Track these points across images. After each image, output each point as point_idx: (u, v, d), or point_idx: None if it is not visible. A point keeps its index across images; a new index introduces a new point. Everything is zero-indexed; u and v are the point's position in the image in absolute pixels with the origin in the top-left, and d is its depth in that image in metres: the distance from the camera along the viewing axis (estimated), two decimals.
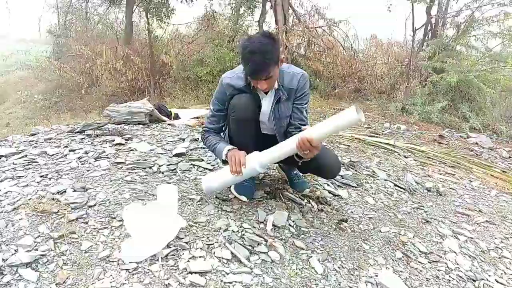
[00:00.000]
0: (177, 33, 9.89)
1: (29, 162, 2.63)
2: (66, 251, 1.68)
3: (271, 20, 9.19)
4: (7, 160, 2.70)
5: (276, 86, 2.13)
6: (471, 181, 3.49)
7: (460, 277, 1.99)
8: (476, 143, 4.99)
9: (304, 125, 2.22)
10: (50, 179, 2.35)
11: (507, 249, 2.34)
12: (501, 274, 2.09)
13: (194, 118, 4.48)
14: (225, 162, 2.15)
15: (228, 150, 2.10)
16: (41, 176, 2.38)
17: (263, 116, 2.22)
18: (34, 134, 3.41)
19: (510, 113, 7.71)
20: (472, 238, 2.40)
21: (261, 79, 1.95)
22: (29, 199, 2.06)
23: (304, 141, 1.84)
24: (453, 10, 7.63)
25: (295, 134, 2.17)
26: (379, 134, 4.66)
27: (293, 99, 2.21)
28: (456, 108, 6.57)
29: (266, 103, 2.19)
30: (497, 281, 2.02)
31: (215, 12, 9.91)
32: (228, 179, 2.10)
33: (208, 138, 2.25)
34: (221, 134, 2.31)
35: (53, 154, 2.79)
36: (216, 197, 2.27)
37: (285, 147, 1.97)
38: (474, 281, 1.98)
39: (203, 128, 2.34)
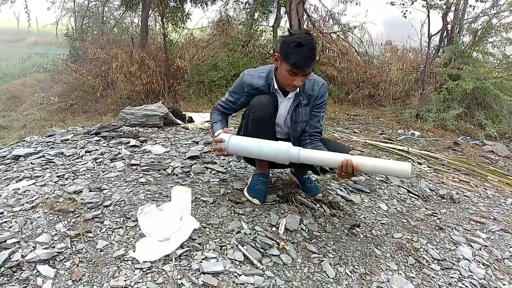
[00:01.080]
0: (191, 37, 9.97)
1: (46, 162, 2.68)
2: (82, 249, 1.71)
3: (285, 25, 9.22)
4: (25, 160, 2.77)
5: (297, 90, 2.15)
6: (486, 189, 3.45)
7: (474, 285, 1.98)
8: (492, 151, 4.93)
9: (318, 133, 2.26)
10: (66, 179, 2.40)
11: None
12: None
13: (208, 121, 4.51)
14: None
15: (218, 133, 2.17)
16: (58, 176, 2.42)
17: (279, 118, 2.24)
18: (51, 135, 3.48)
19: None
20: (486, 246, 2.38)
21: (304, 74, 1.99)
22: (47, 198, 2.10)
23: (350, 165, 1.82)
24: (469, 16, 7.57)
25: (308, 141, 2.20)
26: (393, 141, 4.63)
27: (312, 106, 2.25)
28: (472, 115, 6.50)
29: (284, 106, 2.23)
30: None
31: (230, 17, 9.98)
32: (250, 147, 2.07)
33: (213, 114, 2.35)
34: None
35: (70, 155, 2.85)
36: (229, 199, 2.28)
37: (327, 156, 1.93)
38: None
39: (215, 105, 2.42)
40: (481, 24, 7.26)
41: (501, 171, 4.05)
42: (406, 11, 7.26)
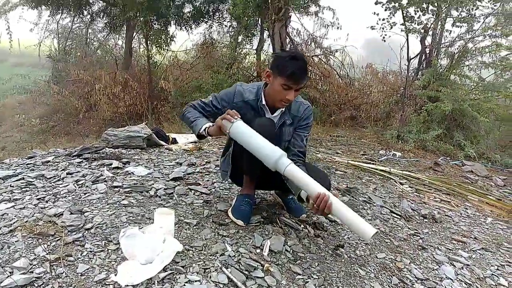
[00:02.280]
0: (176, 59, 10.03)
1: (26, 185, 2.63)
2: (62, 273, 1.67)
3: (268, 49, 9.37)
4: (4, 182, 2.71)
5: (283, 109, 2.20)
6: (466, 208, 3.51)
7: None
8: (471, 171, 5.03)
9: (302, 153, 2.27)
10: (47, 201, 2.35)
11: (503, 277, 2.35)
12: None
13: (192, 143, 4.50)
14: (199, 136, 2.18)
15: (209, 126, 2.12)
16: (38, 199, 2.38)
17: None
18: (32, 157, 3.43)
19: (504, 142, 7.81)
20: (468, 265, 2.41)
21: (297, 87, 2.05)
22: (26, 222, 2.06)
23: (324, 201, 1.81)
24: (446, 40, 7.82)
25: (294, 160, 2.19)
26: (375, 161, 4.69)
27: (296, 127, 2.28)
28: (451, 136, 6.65)
29: None
30: None
31: (214, 39, 10.10)
32: (249, 137, 1.99)
33: (190, 111, 2.26)
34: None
35: (51, 177, 2.80)
36: (213, 221, 2.27)
37: (308, 182, 1.90)
38: None
39: (191, 103, 2.33)
40: (457, 48, 7.51)
41: (480, 190, 4.13)
42: (385, 35, 7.48)
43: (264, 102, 2.20)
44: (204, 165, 3.42)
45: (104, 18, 11.72)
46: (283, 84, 2.03)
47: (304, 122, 2.29)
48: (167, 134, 4.54)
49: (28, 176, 2.78)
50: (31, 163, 3.17)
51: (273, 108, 2.23)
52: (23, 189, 2.55)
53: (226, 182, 2.88)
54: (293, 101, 2.20)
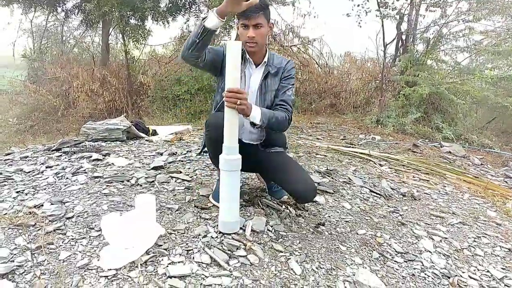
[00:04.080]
0: (154, 54, 9.94)
1: (4, 179, 2.60)
2: (44, 261, 1.67)
3: None
4: None
5: (266, 60, 2.25)
6: (444, 186, 3.59)
7: (435, 274, 2.05)
8: (449, 152, 5.14)
9: (285, 101, 2.27)
10: (26, 194, 2.33)
11: (480, 248, 2.42)
12: (474, 270, 2.15)
13: (172, 134, 4.49)
14: (203, 32, 2.11)
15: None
16: (17, 192, 2.36)
17: (249, 96, 2.24)
18: (9, 154, 3.37)
19: (481, 123, 8.00)
20: (446, 238, 2.47)
21: (253, 23, 2.08)
22: (5, 214, 2.04)
23: (227, 96, 1.88)
24: (422, 26, 7.92)
25: (276, 109, 2.24)
26: (355, 145, 4.76)
27: (281, 78, 2.30)
28: (429, 119, 6.76)
29: (255, 78, 2.27)
30: (470, 277, 2.08)
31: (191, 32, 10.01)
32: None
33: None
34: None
35: (30, 171, 2.77)
36: (195, 206, 2.28)
37: (227, 115, 1.94)
38: (449, 277, 2.03)
39: None
40: (432, 33, 7.62)
41: (458, 169, 4.23)
42: (361, 21, 7.56)
43: (248, 56, 2.23)
44: (185, 154, 3.42)
45: (79, 15, 11.49)
46: (241, 24, 2.12)
47: (287, 74, 2.32)
48: (147, 126, 4.51)
49: (6, 171, 2.75)
50: (9, 159, 3.12)
51: (257, 63, 2.27)
52: (1, 184, 2.52)
53: (207, 168, 2.90)
54: (275, 57, 2.29)
